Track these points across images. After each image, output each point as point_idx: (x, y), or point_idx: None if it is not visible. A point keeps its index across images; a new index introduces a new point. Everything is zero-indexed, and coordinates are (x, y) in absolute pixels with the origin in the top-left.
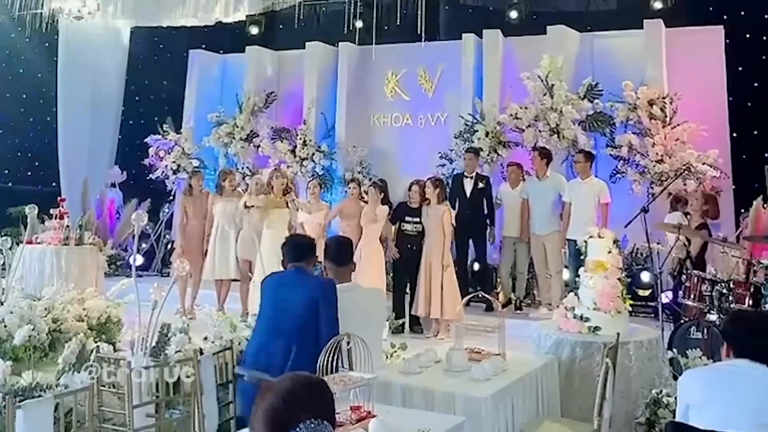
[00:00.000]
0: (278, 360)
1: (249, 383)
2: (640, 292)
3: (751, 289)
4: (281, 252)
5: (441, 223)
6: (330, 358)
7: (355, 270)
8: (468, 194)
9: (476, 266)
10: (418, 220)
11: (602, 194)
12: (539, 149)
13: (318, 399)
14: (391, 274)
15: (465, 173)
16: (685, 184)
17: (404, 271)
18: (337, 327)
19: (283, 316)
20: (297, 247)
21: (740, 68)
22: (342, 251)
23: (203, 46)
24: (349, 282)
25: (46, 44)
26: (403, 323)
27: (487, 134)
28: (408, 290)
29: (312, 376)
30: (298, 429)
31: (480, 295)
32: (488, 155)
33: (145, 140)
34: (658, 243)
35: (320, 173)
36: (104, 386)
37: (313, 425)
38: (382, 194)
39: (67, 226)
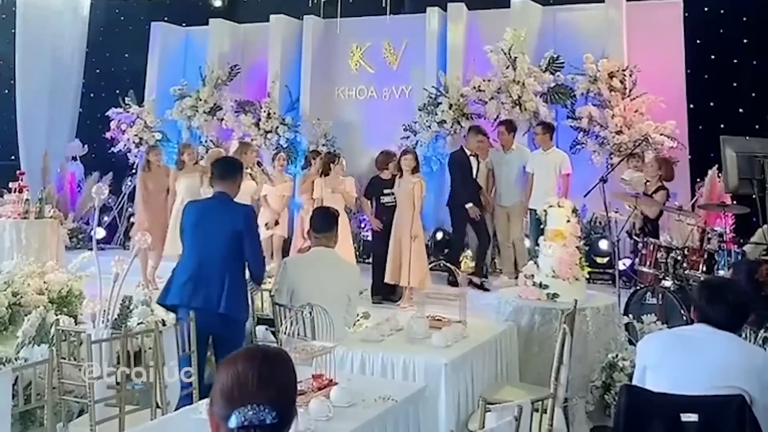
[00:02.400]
0: (214, 293)
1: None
2: (599, 260)
3: (705, 256)
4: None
5: (412, 194)
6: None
7: (347, 240)
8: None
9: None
10: (392, 191)
11: (563, 165)
12: (505, 122)
13: (267, 383)
14: (369, 247)
15: (471, 153)
16: (642, 154)
17: (384, 243)
18: (261, 254)
19: (209, 246)
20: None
21: (698, 41)
22: (321, 220)
23: (165, 18)
24: (327, 248)
25: (3, 16)
26: (382, 296)
27: (450, 107)
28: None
29: (270, 352)
30: (237, 413)
31: (442, 264)
32: (451, 127)
33: (107, 113)
34: (616, 211)
35: (284, 146)
36: (64, 359)
37: (251, 413)
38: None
39: (27, 199)
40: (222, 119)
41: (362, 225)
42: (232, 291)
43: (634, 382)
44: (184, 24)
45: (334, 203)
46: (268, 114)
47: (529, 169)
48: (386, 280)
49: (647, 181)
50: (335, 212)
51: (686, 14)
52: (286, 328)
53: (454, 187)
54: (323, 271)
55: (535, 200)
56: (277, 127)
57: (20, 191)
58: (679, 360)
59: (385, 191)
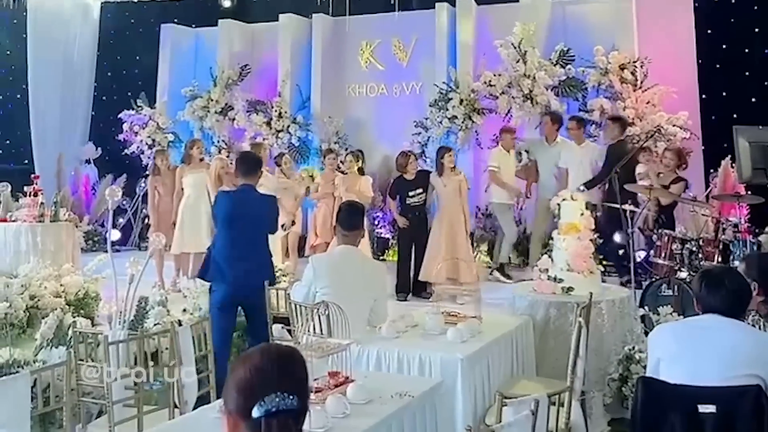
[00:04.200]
0: (253, 267)
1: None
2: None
3: (720, 247)
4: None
5: (459, 191)
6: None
7: (364, 237)
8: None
9: None
10: (420, 190)
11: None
12: (550, 113)
13: (287, 373)
14: (396, 244)
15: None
16: (656, 146)
17: (410, 239)
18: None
19: (246, 228)
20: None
21: (709, 31)
22: (350, 216)
23: (175, 20)
24: (353, 247)
25: (14, 21)
26: (407, 293)
27: (461, 102)
28: (413, 258)
29: (284, 349)
30: (261, 403)
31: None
32: (462, 122)
33: (119, 115)
34: (629, 203)
35: (296, 145)
36: (82, 360)
37: (277, 399)
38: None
39: (42, 203)
40: (234, 119)
41: (376, 222)
42: (266, 263)
43: (647, 374)
44: (194, 25)
45: None
46: (280, 113)
47: (562, 164)
48: (423, 277)
49: (660, 173)
50: (362, 207)
51: (696, 4)
52: (302, 325)
53: None
54: (350, 270)
55: None
56: (289, 126)
57: (35, 195)
58: (692, 351)
59: (411, 192)
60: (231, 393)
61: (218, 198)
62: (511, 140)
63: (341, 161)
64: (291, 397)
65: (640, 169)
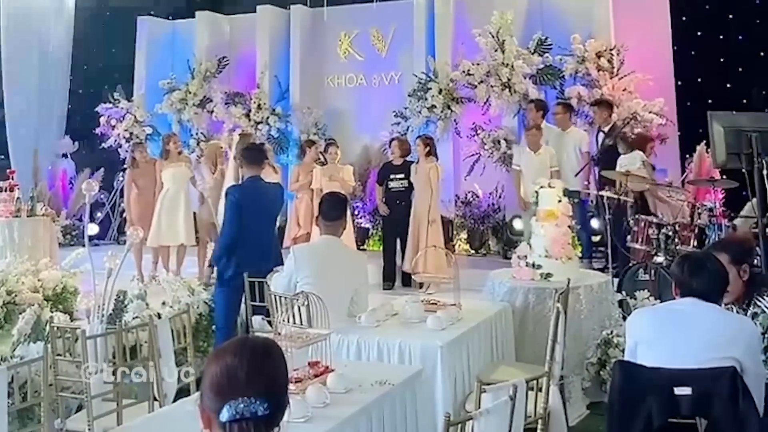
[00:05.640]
0: (267, 253)
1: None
2: (591, 238)
3: (696, 231)
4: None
5: (429, 179)
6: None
7: (347, 228)
8: None
9: None
10: (402, 175)
11: (583, 142)
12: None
13: (258, 373)
14: (380, 233)
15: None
16: (632, 133)
17: (394, 228)
18: None
19: (262, 218)
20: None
21: (684, 18)
22: (333, 207)
23: (151, 12)
24: (335, 237)
25: None
26: (393, 282)
27: (440, 91)
28: (399, 248)
29: (259, 345)
30: (228, 407)
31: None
32: (442, 112)
33: (96, 109)
34: (607, 189)
35: (275, 136)
36: (60, 355)
37: (242, 405)
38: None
39: (18, 197)
40: (212, 111)
41: (356, 213)
42: (276, 249)
43: (626, 358)
44: (170, 17)
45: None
46: (258, 105)
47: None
48: (405, 268)
49: (643, 161)
50: (345, 198)
51: None
52: (282, 315)
53: None
54: (331, 260)
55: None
56: (268, 118)
57: (11, 190)
58: (671, 334)
59: (392, 176)
60: (204, 389)
61: (231, 190)
62: (536, 138)
63: (321, 152)
64: (259, 401)
65: (631, 160)
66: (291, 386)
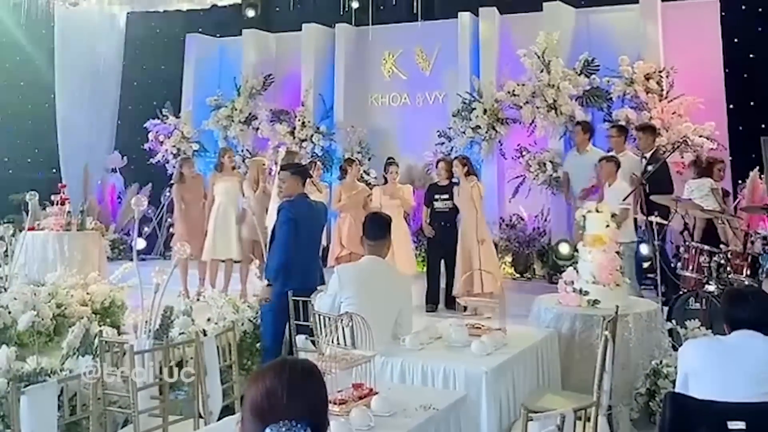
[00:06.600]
0: (316, 270)
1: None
2: (642, 265)
3: (749, 260)
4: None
5: (471, 198)
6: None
7: (389, 248)
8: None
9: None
10: (447, 196)
11: (636, 168)
12: (581, 123)
13: (299, 396)
14: (425, 255)
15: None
16: (682, 157)
17: (439, 249)
18: None
19: (313, 235)
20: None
21: (735, 40)
22: (375, 227)
23: (200, 30)
24: (379, 258)
25: (43, 31)
26: (436, 305)
27: (485, 112)
28: (444, 269)
29: (298, 368)
30: (269, 430)
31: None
32: (486, 132)
33: (145, 125)
34: (656, 215)
35: (320, 154)
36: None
37: (284, 429)
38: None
39: (69, 212)
40: (257, 128)
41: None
42: (319, 266)
43: (676, 389)
44: (218, 35)
45: (391, 210)
46: (303, 122)
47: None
48: (455, 292)
49: (712, 188)
50: (388, 219)
51: (723, 13)
52: (326, 336)
53: None
54: (375, 281)
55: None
56: (312, 136)
57: (62, 204)
58: (721, 367)
59: (437, 196)
60: (245, 412)
61: (285, 206)
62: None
63: (364, 171)
64: (300, 425)
65: (700, 185)
66: (335, 408)
